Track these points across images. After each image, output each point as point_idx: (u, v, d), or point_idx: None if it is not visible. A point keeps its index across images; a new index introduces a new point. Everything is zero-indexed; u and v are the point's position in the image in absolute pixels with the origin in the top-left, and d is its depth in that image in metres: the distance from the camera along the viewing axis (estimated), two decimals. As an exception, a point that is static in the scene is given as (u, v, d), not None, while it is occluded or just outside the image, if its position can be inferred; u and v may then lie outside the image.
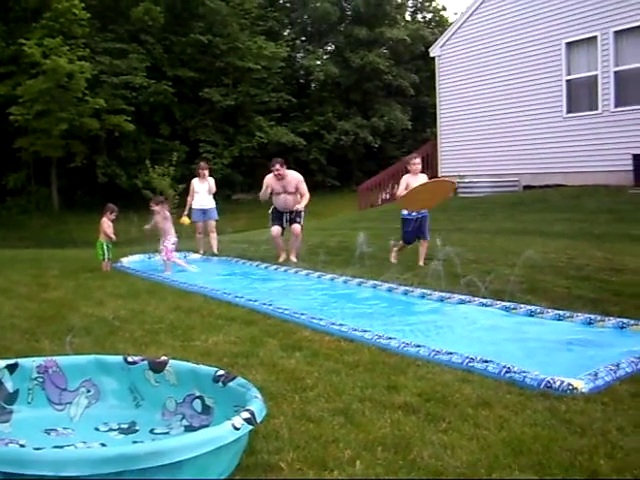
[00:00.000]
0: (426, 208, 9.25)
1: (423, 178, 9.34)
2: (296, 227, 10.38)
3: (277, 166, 10.40)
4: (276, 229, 10.48)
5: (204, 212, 11.86)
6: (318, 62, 38.46)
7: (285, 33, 40.05)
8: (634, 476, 2.89)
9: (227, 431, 2.71)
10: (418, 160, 9.50)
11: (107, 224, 9.91)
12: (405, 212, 9.28)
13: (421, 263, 9.08)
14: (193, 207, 11.87)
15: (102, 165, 30.87)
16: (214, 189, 12.02)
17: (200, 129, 33.64)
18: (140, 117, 31.24)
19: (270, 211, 10.72)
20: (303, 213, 10.59)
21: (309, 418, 3.56)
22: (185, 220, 11.96)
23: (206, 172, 12.07)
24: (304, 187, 10.57)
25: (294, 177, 10.59)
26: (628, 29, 15.21)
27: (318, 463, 3.02)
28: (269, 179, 10.52)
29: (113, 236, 9.87)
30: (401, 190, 9.29)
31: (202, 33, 33.04)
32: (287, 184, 10.43)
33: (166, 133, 33.08)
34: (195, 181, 12.00)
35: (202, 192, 11.88)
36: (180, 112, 33.47)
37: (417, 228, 9.22)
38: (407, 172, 9.60)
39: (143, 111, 31.60)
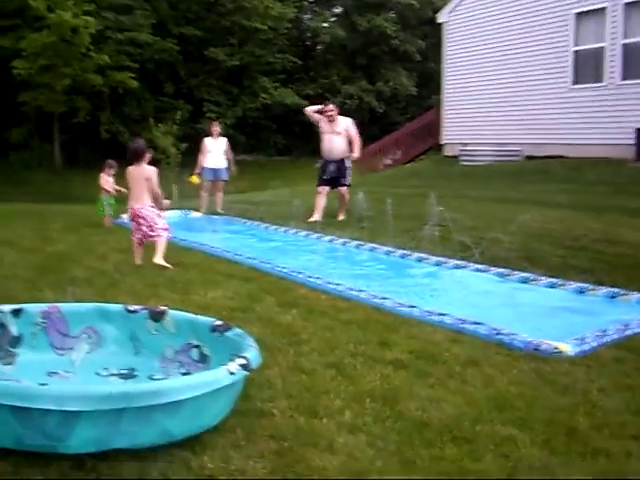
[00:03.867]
0: None
1: None
2: (342, 189, 10.37)
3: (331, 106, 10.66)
4: (323, 189, 10.36)
5: (215, 171, 11.81)
6: (325, 24, 38.12)
7: (293, -7, 39.62)
8: (611, 433, 3.01)
9: (223, 375, 2.85)
10: None
11: (105, 180, 9.95)
12: None
13: None
14: (205, 166, 11.75)
15: (105, 122, 30.75)
16: (230, 150, 12.00)
17: (204, 88, 33.46)
18: (144, 74, 31.05)
19: (319, 166, 10.66)
20: (350, 170, 10.57)
21: (302, 370, 3.69)
22: (194, 179, 11.90)
23: (218, 131, 12.06)
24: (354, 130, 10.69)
25: (345, 120, 10.70)
26: (638, 1, 15.06)
27: (309, 411, 3.16)
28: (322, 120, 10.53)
29: (113, 191, 9.89)
30: None
31: (209, -10, 32.71)
32: (335, 126, 10.48)
33: (170, 91, 32.91)
34: (207, 140, 11.91)
35: (215, 151, 11.80)
36: (185, 70, 33.27)
37: None
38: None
39: (148, 68, 31.40)
